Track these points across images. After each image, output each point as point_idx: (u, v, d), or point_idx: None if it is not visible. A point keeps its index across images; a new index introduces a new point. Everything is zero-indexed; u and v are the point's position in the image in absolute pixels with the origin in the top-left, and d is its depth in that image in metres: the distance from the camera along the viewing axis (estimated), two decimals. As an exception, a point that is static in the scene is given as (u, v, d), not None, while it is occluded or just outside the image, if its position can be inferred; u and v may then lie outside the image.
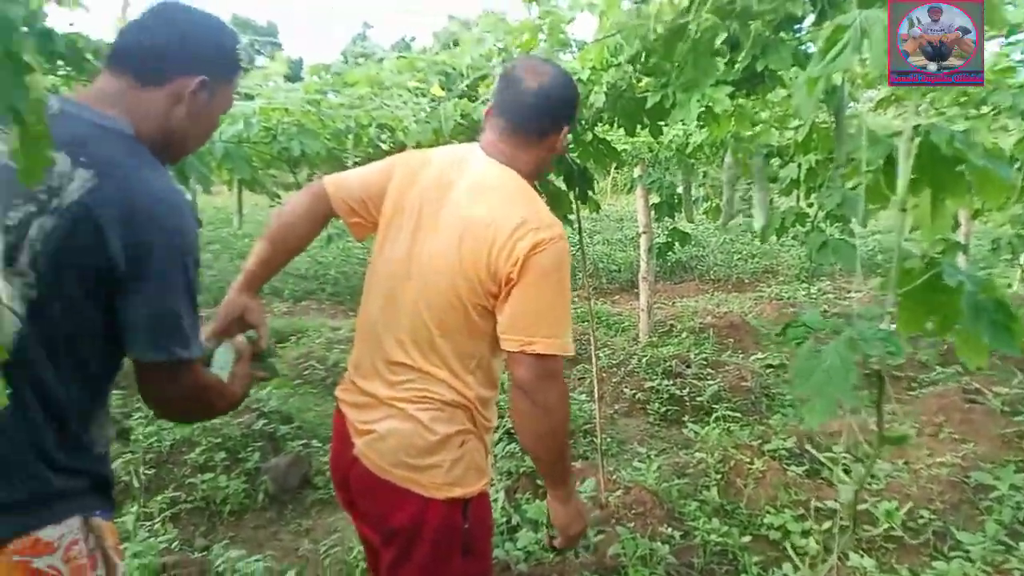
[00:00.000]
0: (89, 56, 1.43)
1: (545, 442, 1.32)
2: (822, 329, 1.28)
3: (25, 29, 0.65)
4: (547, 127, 1.37)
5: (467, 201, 1.32)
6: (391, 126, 2.58)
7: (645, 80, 2.05)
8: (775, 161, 3.80)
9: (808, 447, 3.47)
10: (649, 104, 1.91)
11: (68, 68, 1.45)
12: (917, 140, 1.09)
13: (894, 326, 1.16)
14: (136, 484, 3.04)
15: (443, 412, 1.31)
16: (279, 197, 3.91)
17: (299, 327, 6.76)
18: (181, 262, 1.04)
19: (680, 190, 4.43)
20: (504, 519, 2.72)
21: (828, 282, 8.82)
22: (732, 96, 1.74)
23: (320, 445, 3.90)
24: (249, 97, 2.47)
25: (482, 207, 1.30)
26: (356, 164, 2.74)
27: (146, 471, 3.19)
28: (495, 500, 2.82)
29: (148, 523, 2.87)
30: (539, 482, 3.11)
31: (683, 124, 3.05)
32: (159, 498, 3.06)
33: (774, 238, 3.19)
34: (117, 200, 0.98)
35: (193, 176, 1.88)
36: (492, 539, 1.56)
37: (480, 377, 1.35)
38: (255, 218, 13.20)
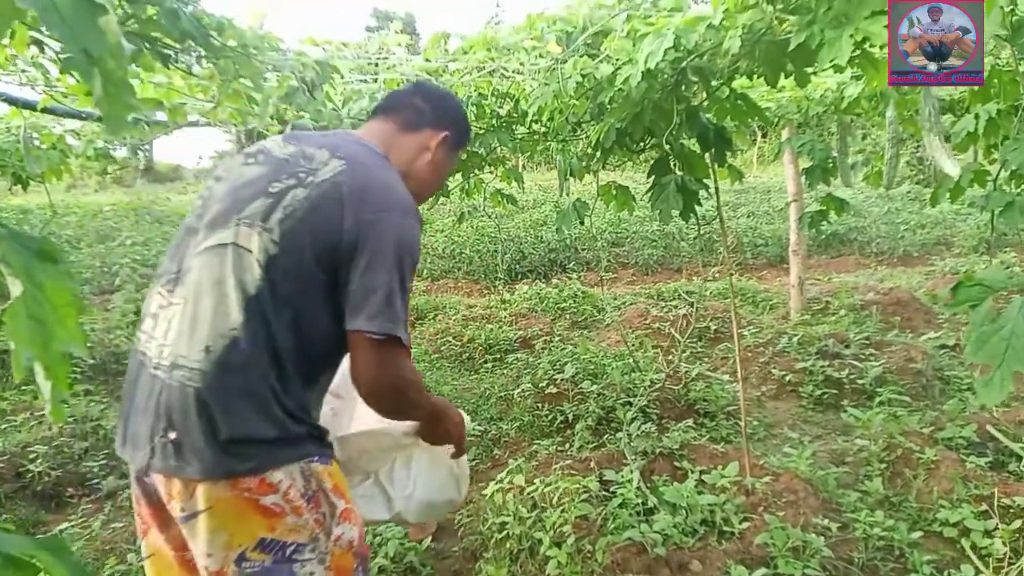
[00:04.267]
0: (213, 34, 1.47)
1: None
2: (1002, 288, 1.05)
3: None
4: None
5: None
6: (511, 94, 2.50)
7: (788, 21, 1.83)
8: (947, 117, 3.33)
9: (998, 432, 3.02)
10: (792, 46, 1.71)
11: (198, 48, 1.50)
12: None
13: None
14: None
15: None
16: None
17: (437, 304, 6.97)
18: (396, 247, 1.15)
19: (836, 153, 3.99)
20: (640, 500, 2.59)
21: (1014, 254, 7.75)
22: (891, 28, 1.50)
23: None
24: (375, 79, 2.49)
25: None
26: (481, 132, 2.70)
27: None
28: (629, 481, 2.70)
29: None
30: (676, 464, 2.95)
31: (835, 70, 2.72)
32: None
33: (947, 204, 2.78)
34: (359, 183, 1.18)
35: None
36: None
37: None
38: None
